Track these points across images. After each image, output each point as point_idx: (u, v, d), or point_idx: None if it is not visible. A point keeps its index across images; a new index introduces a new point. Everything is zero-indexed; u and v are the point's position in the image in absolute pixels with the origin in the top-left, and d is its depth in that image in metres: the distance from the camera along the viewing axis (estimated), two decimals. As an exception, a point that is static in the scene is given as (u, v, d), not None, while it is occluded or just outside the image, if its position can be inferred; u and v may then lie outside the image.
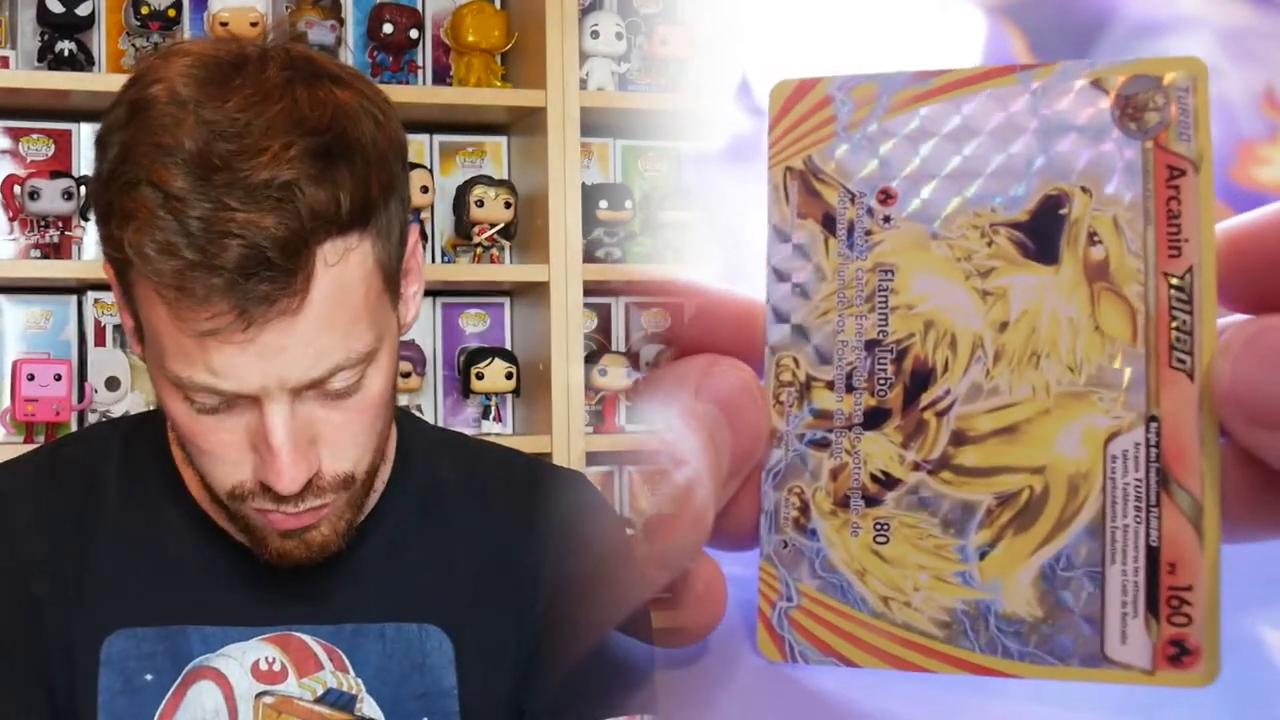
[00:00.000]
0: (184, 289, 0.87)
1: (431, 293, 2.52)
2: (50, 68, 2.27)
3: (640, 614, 1.07)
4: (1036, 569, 0.45)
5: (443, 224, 2.52)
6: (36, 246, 2.29)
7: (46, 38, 2.29)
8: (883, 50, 0.57)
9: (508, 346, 2.54)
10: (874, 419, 0.47)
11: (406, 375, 2.41)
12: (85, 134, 2.37)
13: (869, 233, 0.48)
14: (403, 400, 2.43)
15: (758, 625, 0.48)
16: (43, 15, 2.28)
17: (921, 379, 0.47)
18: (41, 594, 1.02)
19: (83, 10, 2.28)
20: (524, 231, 2.48)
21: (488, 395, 2.47)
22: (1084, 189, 0.46)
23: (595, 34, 2.50)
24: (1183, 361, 0.43)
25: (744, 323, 0.49)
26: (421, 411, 2.47)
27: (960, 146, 0.47)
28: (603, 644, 1.06)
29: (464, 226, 2.46)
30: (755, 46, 0.58)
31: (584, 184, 2.47)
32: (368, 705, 1.03)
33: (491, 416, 2.48)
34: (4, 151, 2.35)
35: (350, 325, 0.91)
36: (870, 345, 0.47)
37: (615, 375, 2.49)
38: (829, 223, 0.48)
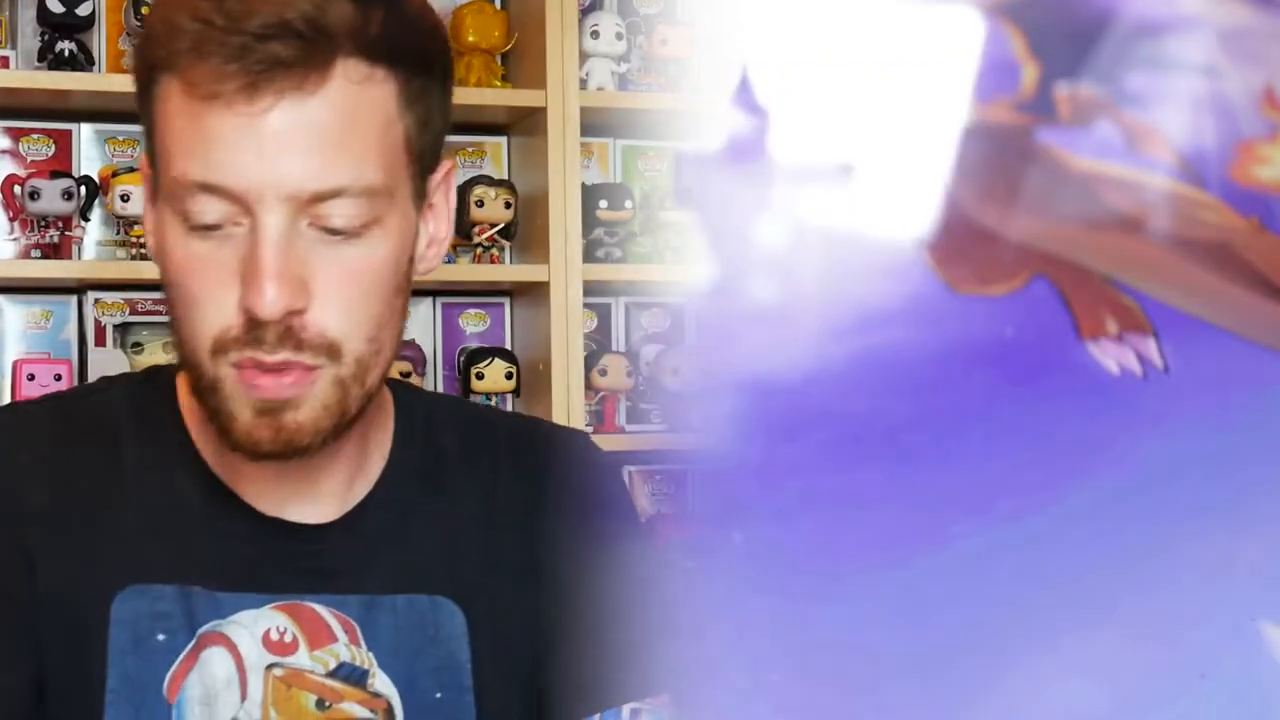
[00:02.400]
0: (200, 52, 0.88)
1: (431, 293, 2.52)
2: (50, 68, 2.27)
3: (654, 585, 1.06)
4: None
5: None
6: (37, 246, 2.29)
7: (47, 38, 2.29)
8: (882, 50, 0.57)
9: (508, 346, 2.54)
10: None
11: (407, 375, 2.41)
12: (85, 134, 2.38)
13: None
14: (403, 400, 2.43)
15: None
16: (43, 15, 2.28)
17: None
18: (37, 545, 0.99)
19: (83, 10, 2.28)
20: (524, 231, 2.48)
21: (488, 395, 2.47)
22: None
23: (595, 34, 2.50)
24: None
25: None
26: (421, 411, 2.47)
27: None
28: (620, 620, 1.05)
29: (464, 226, 2.46)
30: (755, 46, 0.58)
31: (584, 184, 2.47)
32: (380, 680, 1.01)
33: (491, 416, 2.48)
34: (4, 151, 2.36)
35: (362, 152, 0.91)
36: None
37: (615, 375, 2.49)
38: None
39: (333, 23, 0.89)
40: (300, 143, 0.89)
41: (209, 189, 0.90)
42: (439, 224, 1.01)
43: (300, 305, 0.91)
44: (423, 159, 0.97)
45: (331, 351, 0.92)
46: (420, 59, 0.95)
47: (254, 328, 0.90)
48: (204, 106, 0.89)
